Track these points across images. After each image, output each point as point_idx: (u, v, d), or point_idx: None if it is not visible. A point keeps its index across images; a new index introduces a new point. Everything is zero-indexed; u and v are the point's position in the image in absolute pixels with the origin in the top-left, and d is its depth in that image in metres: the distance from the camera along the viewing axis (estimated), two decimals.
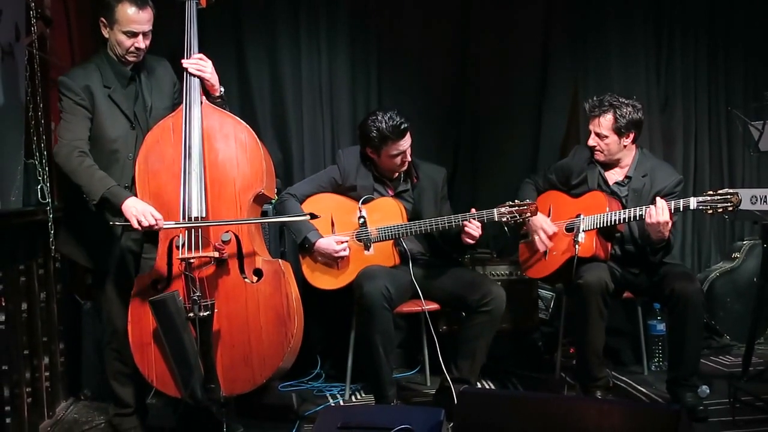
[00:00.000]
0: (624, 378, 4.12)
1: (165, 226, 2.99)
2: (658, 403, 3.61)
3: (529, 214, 3.45)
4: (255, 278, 3.09)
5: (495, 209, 3.47)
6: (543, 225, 3.75)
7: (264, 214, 3.63)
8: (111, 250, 3.18)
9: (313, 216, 3.23)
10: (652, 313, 4.28)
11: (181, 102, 3.16)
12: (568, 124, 4.74)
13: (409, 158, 3.68)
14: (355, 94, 4.60)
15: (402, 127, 3.56)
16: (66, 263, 3.74)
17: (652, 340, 4.29)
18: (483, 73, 4.72)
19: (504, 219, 3.45)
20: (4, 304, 3.01)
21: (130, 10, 3.05)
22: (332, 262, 3.67)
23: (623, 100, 3.70)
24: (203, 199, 3.07)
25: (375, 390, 3.53)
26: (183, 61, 3.18)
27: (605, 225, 3.57)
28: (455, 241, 3.60)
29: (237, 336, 3.07)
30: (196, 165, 3.08)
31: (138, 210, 2.94)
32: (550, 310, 4.58)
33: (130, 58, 3.15)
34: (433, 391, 3.88)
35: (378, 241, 3.64)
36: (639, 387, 3.97)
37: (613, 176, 3.80)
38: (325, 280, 3.70)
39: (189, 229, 3.04)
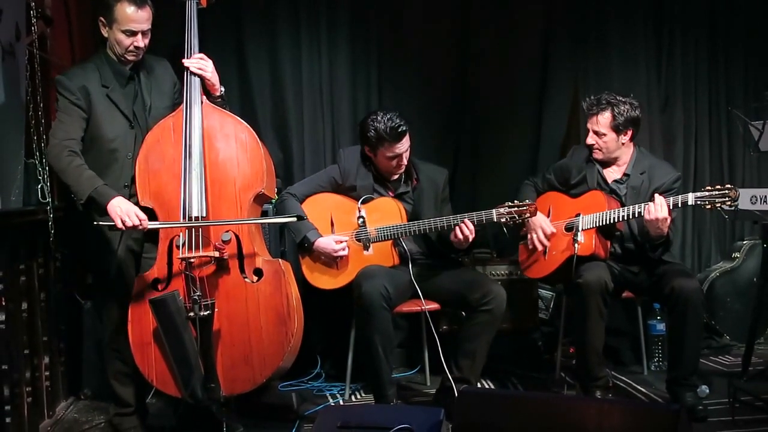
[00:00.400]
0: (624, 378, 4.13)
1: (149, 227, 3.00)
2: (657, 403, 3.61)
3: (528, 215, 3.45)
4: (255, 278, 3.10)
5: (494, 210, 3.47)
6: (542, 224, 3.75)
7: (264, 213, 3.64)
8: (111, 250, 3.18)
9: (300, 217, 3.22)
10: (652, 312, 4.29)
11: (182, 102, 3.17)
12: (568, 125, 4.74)
13: (405, 162, 3.67)
14: (356, 94, 4.60)
15: (399, 130, 3.54)
16: (66, 263, 3.74)
17: (652, 340, 4.29)
18: (483, 73, 4.72)
19: (503, 219, 3.45)
20: (4, 303, 3.00)
21: (129, 9, 3.06)
22: (331, 261, 3.67)
23: (620, 98, 3.72)
24: (203, 198, 3.07)
25: (375, 390, 3.53)
26: (183, 60, 3.18)
27: (604, 223, 3.58)
28: (452, 243, 3.60)
29: (237, 335, 3.07)
30: (196, 164, 3.08)
31: (122, 210, 2.94)
32: (550, 309, 4.58)
33: (130, 57, 3.16)
34: (433, 391, 3.87)
35: (377, 241, 3.64)
36: (639, 387, 3.97)
37: (612, 174, 3.81)
38: (324, 280, 3.71)
39: (190, 228, 3.04)
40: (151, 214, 3.14)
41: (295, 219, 3.22)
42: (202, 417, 3.21)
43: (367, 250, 3.64)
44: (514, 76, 4.76)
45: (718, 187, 3.35)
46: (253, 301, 3.07)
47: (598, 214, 3.59)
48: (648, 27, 4.82)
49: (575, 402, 2.61)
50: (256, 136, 3.19)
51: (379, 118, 3.57)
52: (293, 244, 4.21)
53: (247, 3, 4.47)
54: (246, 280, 3.09)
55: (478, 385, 3.80)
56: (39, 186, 3.41)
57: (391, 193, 3.76)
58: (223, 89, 3.28)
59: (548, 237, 3.76)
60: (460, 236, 3.46)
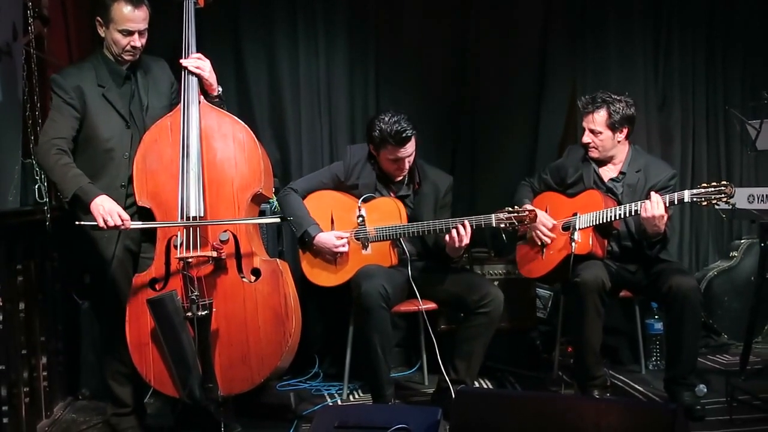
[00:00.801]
0: (621, 377, 4.13)
1: (132, 227, 3.00)
2: (654, 402, 3.61)
3: (527, 222, 3.44)
4: (253, 278, 3.10)
5: (493, 214, 3.46)
6: (542, 219, 3.75)
7: (261, 213, 3.64)
8: (109, 249, 3.18)
9: (284, 219, 3.19)
10: (650, 312, 4.29)
11: (179, 101, 3.16)
12: (566, 124, 4.74)
13: (407, 166, 3.65)
14: (353, 94, 4.59)
15: (404, 135, 3.52)
16: (64, 262, 3.74)
17: (650, 339, 4.30)
18: (481, 72, 4.72)
19: (502, 225, 3.45)
20: (1, 303, 3.00)
21: (126, 9, 3.06)
22: (331, 257, 3.67)
23: (615, 96, 3.72)
24: (201, 198, 3.07)
25: (373, 389, 3.53)
26: (181, 60, 3.18)
27: (601, 222, 3.58)
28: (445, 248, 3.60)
29: (235, 335, 3.07)
30: (194, 164, 3.08)
31: (105, 209, 2.94)
32: (548, 308, 4.58)
33: (127, 57, 3.16)
34: (431, 391, 3.87)
35: (376, 241, 3.63)
36: (636, 386, 3.98)
37: (608, 173, 3.81)
38: (323, 277, 3.71)
39: (187, 228, 3.04)
40: (149, 214, 3.14)
41: (278, 220, 3.19)
42: (200, 417, 3.21)
43: (366, 249, 3.64)
44: (512, 75, 4.76)
45: (714, 183, 3.35)
46: (251, 301, 3.07)
47: (594, 212, 3.60)
48: (646, 26, 4.82)
49: (573, 401, 2.62)
50: (254, 136, 3.19)
51: (386, 119, 3.55)
52: (291, 243, 4.24)
53: (244, 2, 4.46)
54: (244, 279, 3.09)
55: (476, 386, 3.80)
56: (36, 186, 3.41)
57: (392, 194, 3.75)
58: (220, 89, 3.27)
59: (551, 230, 3.75)
60: (455, 237, 3.43)
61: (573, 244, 3.52)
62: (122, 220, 2.95)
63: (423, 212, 3.72)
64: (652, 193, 3.44)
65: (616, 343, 4.41)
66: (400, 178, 3.73)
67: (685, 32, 4.86)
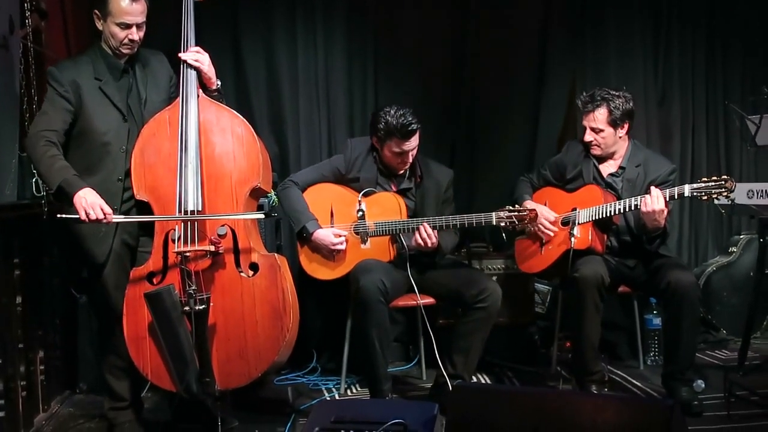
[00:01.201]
0: (620, 372, 4.13)
1: (115, 220, 2.97)
2: (652, 398, 3.61)
3: (527, 221, 3.44)
4: (251, 272, 3.09)
5: (494, 213, 3.46)
6: (543, 213, 3.73)
7: (260, 207, 3.63)
8: (106, 244, 3.16)
9: (267, 215, 3.17)
10: (649, 307, 4.30)
11: (178, 95, 3.15)
12: (565, 119, 4.72)
13: (410, 160, 3.66)
14: (352, 88, 4.58)
15: (410, 128, 3.53)
16: (61, 256, 3.73)
17: (648, 335, 4.31)
18: (481, 68, 4.70)
19: (502, 224, 3.45)
20: None
21: (123, 2, 3.04)
22: (329, 254, 3.66)
23: (614, 92, 3.72)
24: (199, 192, 3.06)
25: (370, 384, 3.54)
26: (180, 54, 3.17)
27: (601, 217, 3.57)
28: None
29: (232, 330, 3.06)
30: (192, 158, 3.06)
31: (87, 202, 2.90)
32: (547, 303, 4.58)
33: (125, 51, 3.14)
34: (428, 385, 3.87)
35: (375, 236, 3.63)
36: (634, 381, 3.98)
37: (607, 168, 3.81)
38: (321, 271, 3.70)
39: (185, 222, 3.03)
40: (147, 208, 3.14)
41: (263, 216, 3.16)
42: (197, 411, 3.21)
43: (365, 243, 3.64)
44: (512, 70, 4.74)
45: (715, 178, 3.34)
46: (248, 296, 3.06)
47: (594, 207, 3.59)
48: (646, 21, 4.81)
49: (570, 397, 2.62)
50: (253, 130, 3.18)
51: (392, 112, 3.56)
52: (289, 238, 4.23)
53: None
54: (242, 274, 3.08)
55: (473, 380, 3.80)
56: (33, 180, 3.40)
57: (394, 188, 3.75)
58: (219, 83, 3.26)
59: (552, 223, 3.74)
60: (419, 241, 3.49)
61: (572, 239, 3.52)
62: (104, 214, 2.91)
63: (426, 207, 3.72)
64: (652, 188, 3.44)
65: (615, 339, 4.42)
66: (402, 171, 3.72)
67: (684, 28, 4.85)
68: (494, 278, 3.89)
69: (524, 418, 2.39)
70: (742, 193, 4.06)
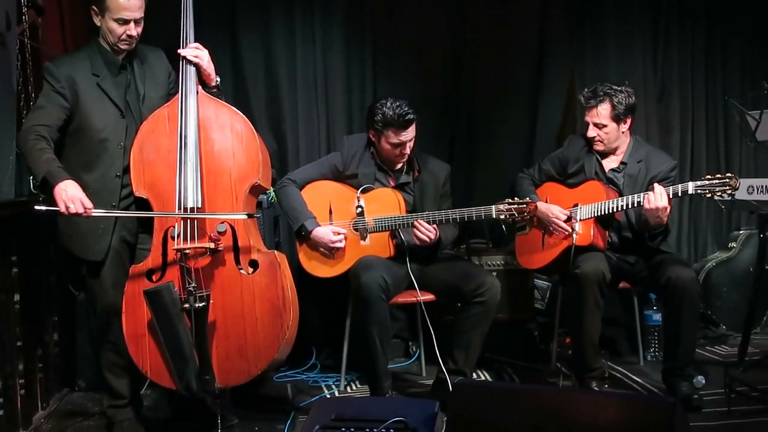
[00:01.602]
0: (619, 368, 4.13)
1: (95, 215, 2.93)
2: (653, 396, 3.59)
3: (527, 213, 3.43)
4: (251, 269, 3.08)
5: (493, 206, 3.46)
6: (553, 212, 3.71)
7: (258, 204, 3.62)
8: (105, 240, 3.15)
9: (250, 215, 3.15)
10: (648, 303, 4.29)
11: (177, 92, 3.14)
12: (564, 114, 4.72)
13: (408, 151, 3.65)
14: (350, 83, 4.57)
15: (407, 117, 3.54)
16: (59, 254, 3.72)
17: (648, 330, 4.30)
18: (479, 61, 4.69)
19: (502, 216, 3.45)
20: None
21: None
22: (327, 251, 3.65)
23: (616, 87, 3.71)
24: (199, 189, 3.05)
25: (370, 381, 3.53)
26: (180, 50, 3.15)
27: (603, 213, 3.56)
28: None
29: (232, 327, 3.05)
30: (191, 155, 3.05)
31: (68, 195, 2.86)
32: (546, 299, 4.57)
33: (123, 46, 3.12)
34: (428, 382, 3.87)
35: (374, 232, 3.62)
36: (634, 377, 3.97)
37: (609, 163, 3.80)
38: (321, 268, 3.70)
39: (184, 219, 3.01)
40: (146, 205, 3.12)
41: (245, 216, 3.13)
42: (196, 409, 3.21)
43: (364, 240, 3.63)
44: (510, 65, 4.73)
45: (719, 176, 3.33)
46: (248, 293, 3.05)
47: (596, 204, 3.58)
48: (645, 15, 4.80)
49: (571, 394, 2.62)
50: (252, 127, 3.16)
51: (388, 104, 3.56)
52: (288, 235, 4.22)
53: None
54: (241, 271, 3.07)
55: (474, 377, 3.79)
56: (31, 177, 3.38)
57: (392, 183, 3.74)
58: (218, 79, 3.25)
59: (564, 220, 3.72)
60: (423, 238, 3.50)
61: (574, 235, 3.51)
62: (84, 208, 2.88)
63: (424, 201, 3.72)
64: (656, 185, 3.42)
65: (615, 335, 4.41)
66: (399, 165, 3.72)
67: (683, 22, 4.84)
68: (494, 274, 3.87)
69: (525, 416, 2.38)
70: (743, 188, 4.05)
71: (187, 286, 2.96)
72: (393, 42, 4.62)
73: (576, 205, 3.65)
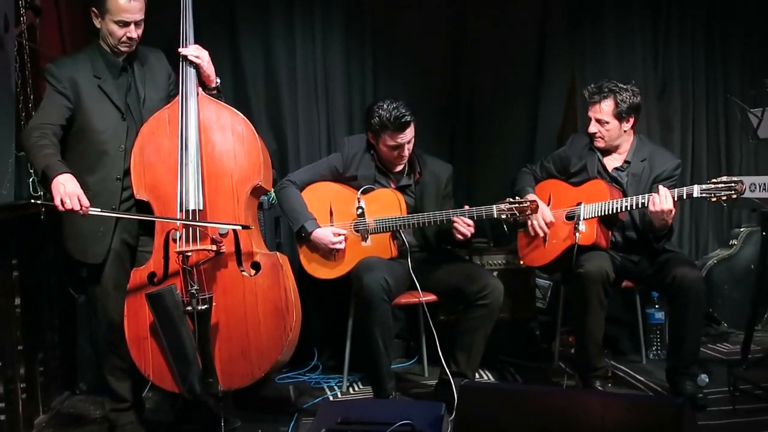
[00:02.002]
0: (623, 367, 4.12)
1: (91, 213, 2.88)
2: (662, 396, 3.56)
3: (529, 212, 3.42)
4: (253, 271, 3.06)
5: (494, 206, 3.44)
6: (542, 211, 3.71)
7: (259, 205, 3.60)
8: (105, 243, 3.13)
9: (245, 227, 3.11)
10: (651, 301, 4.28)
11: (177, 93, 3.12)
12: (565, 112, 4.71)
13: (407, 153, 3.63)
14: (350, 84, 4.55)
15: (403, 119, 3.51)
16: (59, 256, 3.69)
17: (651, 329, 4.28)
18: (479, 60, 4.67)
19: (503, 216, 3.43)
20: None
21: (122, 0, 3.00)
22: (328, 253, 3.63)
23: (622, 85, 3.70)
24: (200, 191, 3.03)
25: (373, 383, 3.51)
26: (180, 49, 3.14)
27: (606, 213, 3.55)
28: (451, 238, 3.57)
29: (235, 330, 3.04)
30: (193, 157, 3.04)
31: (66, 190, 2.82)
32: (548, 298, 4.56)
33: (123, 48, 3.11)
34: (431, 382, 3.86)
35: (375, 233, 3.60)
36: (638, 376, 3.96)
37: (612, 162, 3.78)
38: (322, 270, 3.68)
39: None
40: (147, 208, 3.10)
41: (240, 227, 3.10)
42: (199, 412, 3.18)
43: (365, 241, 3.61)
44: (511, 63, 4.72)
45: (724, 179, 3.32)
46: (251, 295, 3.04)
47: (600, 203, 3.57)
48: (645, 14, 4.78)
49: (578, 395, 2.59)
50: (253, 128, 3.15)
51: (385, 105, 3.54)
52: (288, 236, 4.20)
53: None
54: (244, 273, 3.05)
55: (477, 378, 3.78)
56: (30, 179, 3.36)
57: (393, 185, 3.72)
58: (218, 81, 3.23)
59: (548, 225, 3.72)
60: (465, 232, 3.46)
61: (577, 234, 3.50)
62: (81, 206, 2.84)
63: (425, 203, 3.69)
64: (661, 187, 3.41)
65: (617, 333, 4.40)
66: (399, 167, 3.70)
67: (684, 20, 4.83)
68: (495, 274, 3.86)
69: (533, 418, 2.36)
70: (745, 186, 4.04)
71: (189, 288, 2.94)
72: (393, 42, 4.60)
73: (579, 204, 3.63)
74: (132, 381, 3.27)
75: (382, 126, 3.55)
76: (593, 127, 3.72)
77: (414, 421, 2.49)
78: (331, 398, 3.81)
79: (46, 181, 2.92)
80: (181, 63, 3.13)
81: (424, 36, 4.61)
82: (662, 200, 3.36)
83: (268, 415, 3.52)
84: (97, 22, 3.07)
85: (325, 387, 3.98)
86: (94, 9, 3.06)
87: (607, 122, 3.68)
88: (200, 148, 3.07)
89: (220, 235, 3.01)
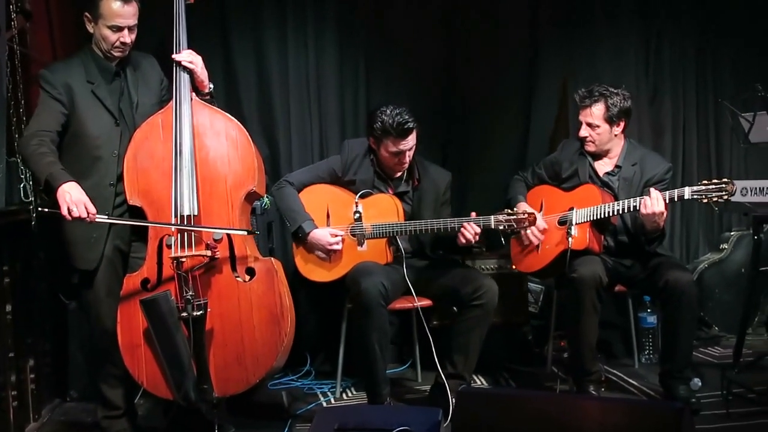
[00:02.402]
0: (615, 371, 4.12)
1: (98, 221, 2.88)
2: (660, 401, 3.54)
3: (526, 224, 3.42)
4: (248, 277, 3.05)
5: (492, 216, 3.43)
6: (537, 221, 3.70)
7: (252, 210, 3.58)
8: (98, 249, 3.10)
9: (251, 232, 3.11)
10: (643, 305, 4.29)
11: (170, 99, 3.11)
12: (557, 117, 4.72)
13: (408, 160, 3.62)
14: (343, 89, 4.54)
15: (406, 126, 3.50)
16: (50, 262, 3.66)
17: (643, 333, 4.29)
18: (471, 66, 4.67)
19: (501, 227, 3.42)
20: None
21: (115, 5, 2.99)
22: (325, 254, 3.62)
23: (612, 89, 3.71)
24: (195, 197, 3.02)
25: (369, 388, 3.50)
26: (174, 55, 3.12)
27: (599, 217, 3.56)
28: (448, 244, 3.57)
29: (230, 336, 3.02)
30: (187, 162, 3.02)
31: (72, 198, 2.81)
32: (540, 303, 4.56)
33: (116, 53, 3.09)
34: (424, 387, 3.85)
35: (372, 238, 3.59)
36: (630, 380, 3.97)
37: (603, 167, 3.79)
38: (317, 272, 3.66)
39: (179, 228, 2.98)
40: (140, 213, 3.08)
41: (246, 233, 3.09)
42: (193, 418, 3.16)
43: (361, 245, 3.60)
44: (503, 68, 4.72)
45: (715, 181, 3.33)
46: (245, 301, 3.02)
47: (592, 207, 3.57)
48: (636, 18, 4.80)
49: (577, 401, 2.59)
50: (247, 134, 3.13)
51: (387, 111, 3.53)
52: (281, 241, 4.18)
53: None
54: (238, 279, 3.04)
55: (473, 380, 3.78)
56: (21, 185, 3.34)
57: (390, 191, 3.71)
58: (212, 86, 3.22)
59: (542, 232, 3.72)
60: (470, 238, 3.45)
61: (570, 239, 3.50)
62: (88, 213, 2.82)
63: (423, 210, 3.68)
64: (652, 190, 3.42)
65: (609, 337, 4.40)
66: (399, 173, 3.69)
67: (675, 25, 4.85)
68: (490, 277, 3.85)
69: (531, 423, 2.37)
70: (737, 190, 4.06)
71: (184, 294, 2.92)
72: (385, 47, 4.59)
73: (572, 209, 3.63)
74: (125, 388, 3.24)
75: (384, 132, 3.53)
76: (584, 131, 3.73)
77: (411, 426, 2.49)
78: (324, 404, 3.79)
79: (49, 190, 2.90)
80: (174, 68, 3.12)
81: (416, 41, 4.61)
82: (654, 203, 3.37)
83: (262, 422, 3.51)
84: (90, 27, 3.05)
85: (318, 393, 3.96)
86: (87, 14, 3.04)
87: (598, 126, 3.69)
88: (194, 154, 3.05)
89: (215, 240, 3.00)
